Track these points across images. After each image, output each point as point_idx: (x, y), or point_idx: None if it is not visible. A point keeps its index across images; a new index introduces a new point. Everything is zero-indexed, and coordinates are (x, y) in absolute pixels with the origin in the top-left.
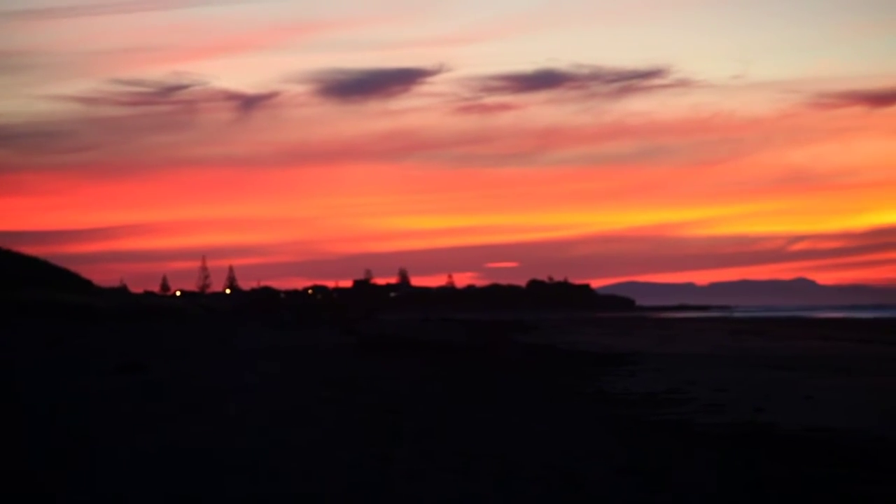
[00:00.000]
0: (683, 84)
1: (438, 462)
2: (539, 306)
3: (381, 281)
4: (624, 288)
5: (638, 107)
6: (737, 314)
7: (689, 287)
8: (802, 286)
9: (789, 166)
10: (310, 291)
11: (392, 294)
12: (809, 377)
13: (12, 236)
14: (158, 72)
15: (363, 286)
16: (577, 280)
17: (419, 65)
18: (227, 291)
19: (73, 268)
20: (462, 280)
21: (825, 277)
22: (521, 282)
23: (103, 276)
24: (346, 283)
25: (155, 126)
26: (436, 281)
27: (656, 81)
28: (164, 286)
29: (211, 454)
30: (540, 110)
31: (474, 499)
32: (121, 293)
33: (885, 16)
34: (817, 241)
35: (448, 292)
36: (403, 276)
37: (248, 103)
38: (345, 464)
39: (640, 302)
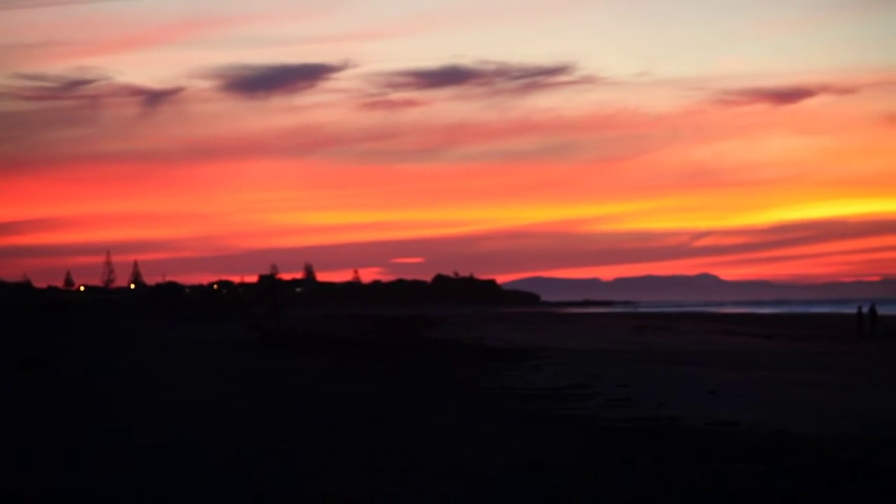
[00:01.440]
0: (589, 81)
1: (345, 458)
2: (445, 302)
3: (286, 276)
4: (529, 283)
5: (543, 103)
6: (641, 309)
7: (593, 282)
8: (706, 282)
9: (693, 163)
10: (215, 287)
11: (298, 289)
12: (712, 372)
13: None
14: (62, 67)
15: (269, 281)
16: (482, 275)
17: (324, 61)
18: (132, 287)
19: None
20: (368, 275)
21: (728, 273)
22: (427, 277)
23: (6, 272)
24: (252, 279)
25: (58, 121)
26: (341, 276)
27: (562, 78)
28: (69, 281)
29: (114, 450)
30: (445, 107)
31: (379, 494)
32: (24, 288)
33: (788, 14)
34: (721, 237)
35: (354, 288)
36: (309, 272)
37: (152, 98)
38: (249, 460)
39: (545, 297)
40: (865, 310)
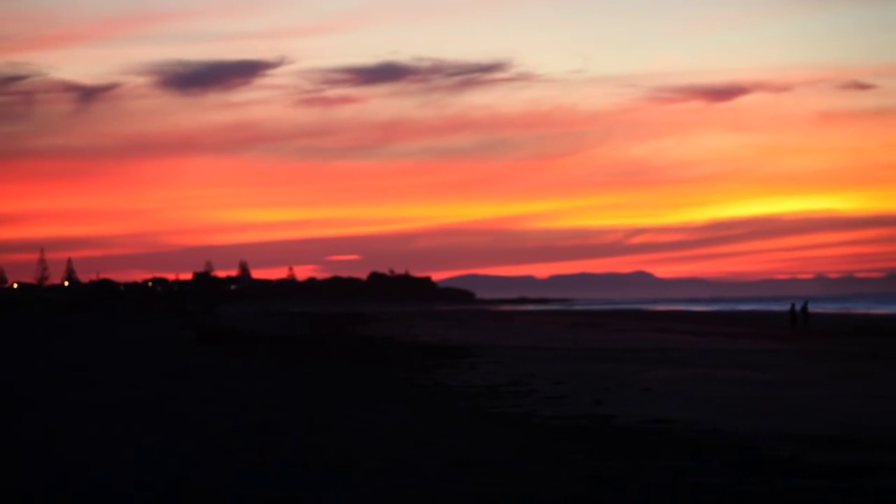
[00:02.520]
0: (524, 78)
1: (279, 456)
2: (380, 299)
3: (221, 273)
4: (464, 281)
5: (479, 100)
6: (576, 307)
7: (528, 280)
8: (641, 279)
9: (629, 160)
10: (150, 284)
11: (232, 287)
12: (647, 370)
13: None
14: None
15: (203, 279)
16: (418, 273)
17: (260, 57)
18: (66, 284)
19: None
20: (303, 273)
21: (663, 271)
22: (362, 274)
23: None
24: (187, 276)
25: None
26: (276, 273)
27: (498, 75)
28: (1, 278)
29: (40, 450)
30: (382, 103)
31: (312, 492)
32: None
33: (723, 12)
34: (656, 234)
35: (289, 285)
36: (244, 269)
37: (87, 95)
38: (185, 457)
39: (480, 295)
40: (799, 307)
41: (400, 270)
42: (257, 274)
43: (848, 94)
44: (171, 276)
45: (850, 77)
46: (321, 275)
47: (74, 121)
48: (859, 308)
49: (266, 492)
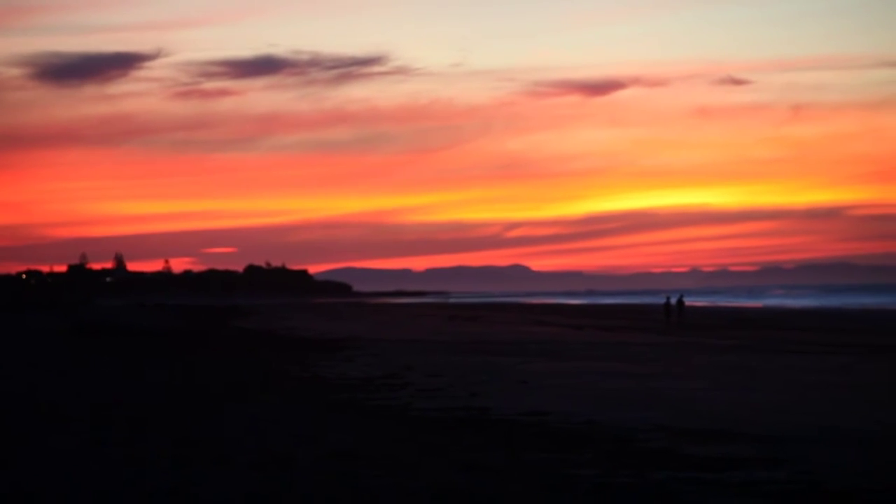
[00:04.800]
0: (402, 71)
1: (153, 449)
2: (257, 292)
3: (96, 266)
4: (341, 273)
5: (357, 94)
6: (453, 300)
7: (406, 273)
8: (517, 272)
9: (506, 154)
10: (23, 276)
11: (108, 279)
12: (523, 362)
13: None
14: None
15: (78, 271)
16: (294, 265)
17: (137, 49)
18: None
19: None
20: (179, 265)
21: (540, 264)
22: (239, 267)
23: None
24: (61, 268)
25: None
26: (152, 266)
27: (375, 69)
28: None
29: None
30: (259, 96)
31: (186, 485)
32: None
33: (600, 6)
34: (533, 227)
35: (165, 278)
36: (119, 261)
37: None
38: (59, 452)
39: (357, 287)
40: (674, 301)
41: (277, 263)
42: (133, 266)
43: (723, 89)
44: (45, 269)
45: (725, 72)
46: (197, 267)
47: None
48: (733, 301)
49: (139, 485)
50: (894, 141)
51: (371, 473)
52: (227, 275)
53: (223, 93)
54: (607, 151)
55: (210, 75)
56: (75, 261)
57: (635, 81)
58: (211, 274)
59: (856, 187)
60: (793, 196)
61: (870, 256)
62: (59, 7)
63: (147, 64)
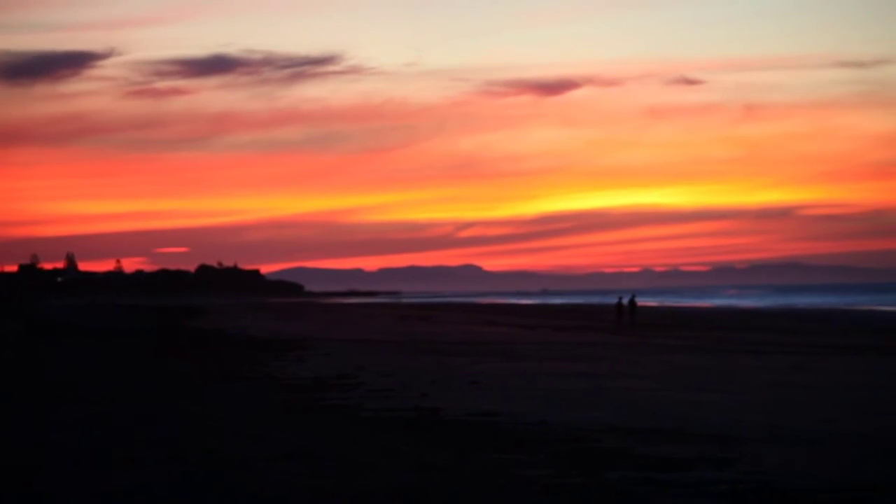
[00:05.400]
0: (356, 71)
1: (104, 448)
2: (208, 292)
3: (47, 266)
4: (293, 273)
5: (310, 93)
6: (405, 300)
7: (357, 273)
8: (469, 272)
9: (460, 154)
10: None
11: (59, 279)
12: (475, 363)
13: None
14: None
15: (29, 271)
16: (246, 265)
17: (90, 48)
18: None
19: None
20: (131, 265)
21: (492, 264)
22: (191, 267)
23: None
24: (11, 268)
25: None
26: (104, 266)
27: (329, 68)
28: None
29: None
30: (212, 95)
31: (139, 485)
32: None
33: (554, 6)
34: (485, 227)
35: (116, 277)
36: (71, 261)
37: None
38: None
39: (309, 287)
40: (626, 300)
41: (229, 263)
42: (84, 266)
43: (676, 89)
44: None
45: (678, 72)
46: (149, 267)
47: None
48: (685, 301)
49: (90, 484)
50: (845, 141)
51: (323, 473)
52: (179, 275)
53: (176, 92)
54: (560, 151)
55: (163, 74)
56: (26, 261)
57: (589, 81)
58: (163, 274)
59: (807, 187)
60: (745, 196)
61: (821, 256)
62: (12, 5)
63: (100, 63)
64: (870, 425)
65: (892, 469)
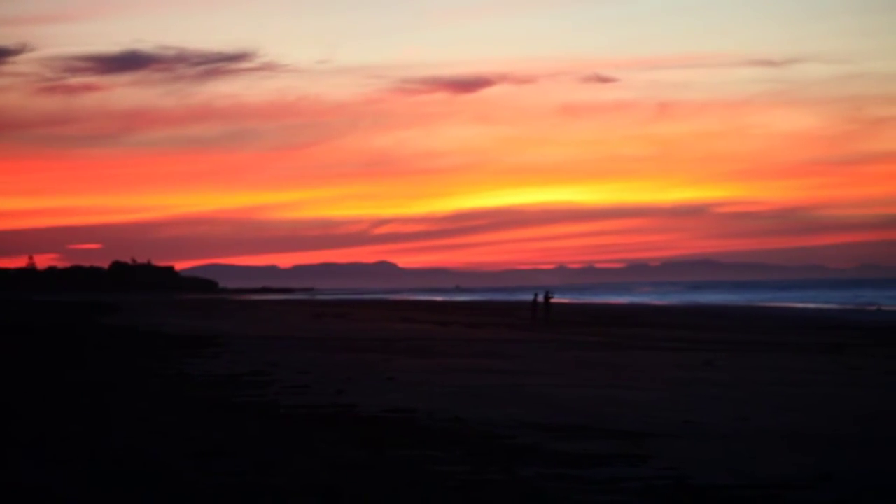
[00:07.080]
0: (269, 68)
1: (16, 447)
2: (122, 288)
3: None
4: (207, 270)
5: (224, 90)
6: (320, 297)
7: (272, 269)
8: (384, 269)
9: (374, 151)
10: None
11: None
12: (390, 359)
13: None
14: None
15: None
16: (160, 262)
17: (1, 44)
18: None
19: None
20: (43, 262)
21: (406, 261)
22: (104, 264)
23: None
24: None
25: None
26: (16, 262)
27: (243, 65)
28: None
29: None
30: (125, 92)
31: (53, 484)
32: None
33: (468, 4)
34: (400, 224)
35: (29, 274)
36: None
37: None
38: None
39: (223, 284)
40: (540, 297)
41: (142, 260)
42: None
43: (590, 86)
44: None
45: (592, 70)
46: (62, 264)
47: None
48: (600, 298)
49: (5, 483)
50: (758, 139)
51: (237, 470)
52: (93, 271)
53: (88, 88)
54: (475, 148)
55: (75, 71)
56: None
57: (502, 79)
58: (76, 270)
59: (720, 185)
60: (658, 194)
61: (734, 254)
62: None
63: (11, 59)
64: (783, 421)
65: (805, 463)
